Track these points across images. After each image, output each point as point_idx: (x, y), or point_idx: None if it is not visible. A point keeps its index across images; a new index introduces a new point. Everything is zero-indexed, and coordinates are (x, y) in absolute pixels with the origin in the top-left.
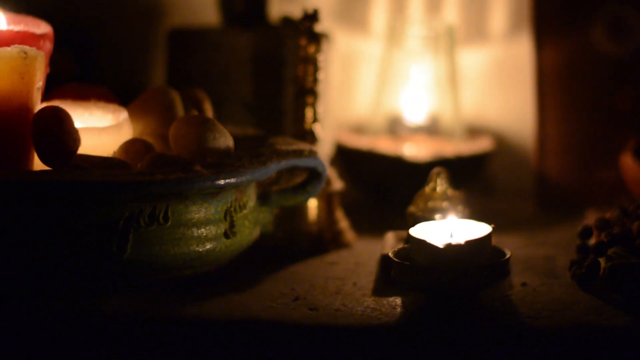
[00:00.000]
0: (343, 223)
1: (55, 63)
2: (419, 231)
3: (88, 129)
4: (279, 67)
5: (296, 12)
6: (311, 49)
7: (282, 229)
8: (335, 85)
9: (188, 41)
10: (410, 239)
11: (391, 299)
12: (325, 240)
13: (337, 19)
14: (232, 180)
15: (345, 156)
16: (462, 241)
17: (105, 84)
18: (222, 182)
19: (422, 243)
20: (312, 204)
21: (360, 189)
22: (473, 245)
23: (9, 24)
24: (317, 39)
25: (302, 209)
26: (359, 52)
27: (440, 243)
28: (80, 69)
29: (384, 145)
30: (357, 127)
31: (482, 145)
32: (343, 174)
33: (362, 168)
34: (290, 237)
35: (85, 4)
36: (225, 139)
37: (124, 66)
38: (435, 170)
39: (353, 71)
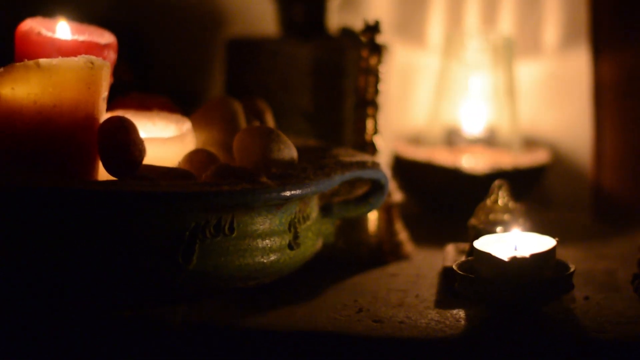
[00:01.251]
0: (402, 235)
1: (115, 73)
2: (483, 244)
3: (152, 139)
4: (339, 77)
5: (355, 23)
6: (373, 61)
7: (342, 240)
8: (393, 97)
9: (247, 51)
10: (475, 252)
11: (455, 311)
12: (384, 252)
13: (395, 31)
14: (298, 191)
15: (402, 167)
16: (527, 254)
17: (162, 94)
18: (288, 193)
19: (487, 256)
20: (372, 215)
21: (416, 200)
22: (538, 258)
23: (73, 33)
24: (378, 50)
25: (362, 220)
26: (416, 63)
27: (505, 256)
28: (137, 79)
29: (442, 157)
30: (414, 139)
31: (539, 157)
32: (399, 185)
33: (419, 179)
34: (350, 248)
35: (143, 14)
36: (289, 151)
37: (181, 76)
38: (497, 182)
39: (410, 82)
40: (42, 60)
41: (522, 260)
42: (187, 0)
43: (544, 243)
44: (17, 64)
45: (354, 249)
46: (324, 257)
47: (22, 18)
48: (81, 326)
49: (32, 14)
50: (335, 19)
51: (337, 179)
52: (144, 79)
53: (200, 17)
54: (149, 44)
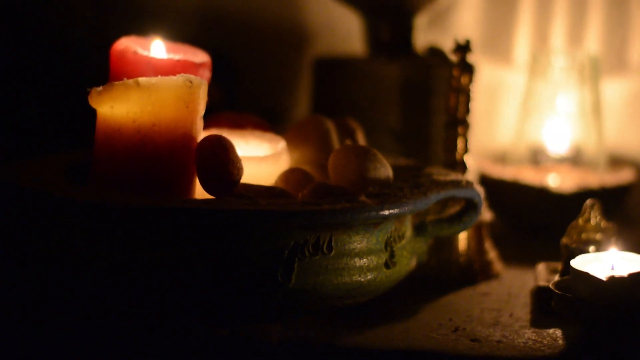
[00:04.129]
0: (492, 253)
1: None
2: (579, 263)
3: (249, 158)
4: (426, 96)
5: (441, 42)
6: (464, 80)
7: (434, 259)
8: (478, 115)
9: (335, 70)
10: (572, 271)
11: (551, 330)
12: (474, 271)
13: (481, 49)
14: (396, 210)
15: (488, 186)
16: (624, 274)
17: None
18: (386, 212)
19: (585, 275)
20: (462, 234)
21: (502, 219)
22: (636, 278)
23: (168, 52)
24: (470, 69)
25: (452, 239)
26: (502, 81)
27: (602, 276)
28: (226, 98)
29: (528, 176)
30: (499, 157)
31: (625, 176)
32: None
33: (506, 198)
34: (440, 267)
35: (229, 33)
36: (385, 169)
37: (267, 94)
38: (589, 202)
39: (496, 101)
40: (142, 79)
41: (620, 279)
42: (273, 20)
43: None
44: (116, 82)
45: (444, 267)
46: (414, 276)
47: (109, 38)
48: (179, 344)
49: (120, 34)
50: (422, 37)
51: (433, 197)
52: (231, 98)
53: (286, 36)
54: (235, 62)
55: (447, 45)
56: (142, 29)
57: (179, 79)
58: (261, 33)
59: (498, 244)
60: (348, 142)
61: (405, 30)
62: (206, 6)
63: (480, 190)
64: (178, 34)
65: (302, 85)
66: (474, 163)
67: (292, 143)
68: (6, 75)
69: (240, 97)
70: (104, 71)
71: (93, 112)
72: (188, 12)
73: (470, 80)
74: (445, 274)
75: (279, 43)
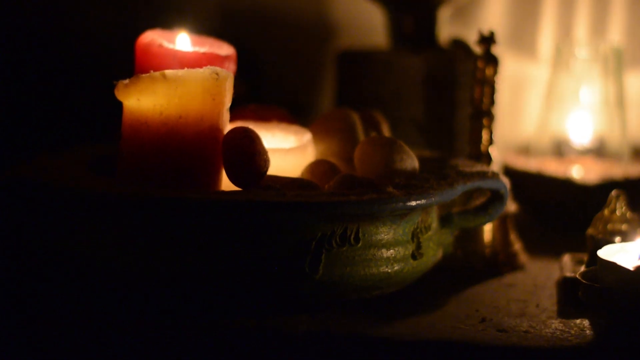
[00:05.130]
0: (517, 245)
1: None
2: (606, 253)
3: (275, 150)
4: (450, 89)
5: (464, 34)
6: (489, 71)
7: (459, 250)
8: (502, 107)
9: (359, 63)
10: (599, 261)
11: (578, 320)
12: (500, 262)
13: (505, 42)
14: (423, 201)
15: (512, 178)
16: None
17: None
18: (413, 203)
19: (612, 265)
20: (487, 226)
21: (526, 211)
22: None
23: (193, 45)
24: (494, 61)
25: (477, 231)
26: (526, 74)
27: (630, 265)
28: (250, 91)
29: (552, 168)
30: (522, 149)
31: None
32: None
33: (529, 190)
34: (466, 258)
35: (252, 26)
36: (411, 161)
37: (291, 87)
38: (614, 192)
39: (519, 93)
40: (168, 72)
41: None
42: (297, 13)
43: None
44: (143, 75)
45: (469, 259)
46: (440, 267)
47: (133, 31)
48: (205, 334)
49: (143, 27)
50: (446, 30)
51: (459, 188)
52: (255, 91)
53: (309, 29)
54: (259, 56)
55: (470, 38)
56: (165, 22)
57: (205, 71)
58: (285, 26)
59: (522, 236)
60: (373, 134)
61: (429, 23)
62: (229, 0)
63: (506, 181)
64: (201, 28)
65: (326, 78)
66: (498, 155)
67: (317, 135)
68: (29, 70)
69: (264, 90)
70: (128, 64)
71: (116, 105)
72: (211, 6)
73: (495, 72)
74: (470, 265)
75: (303, 36)
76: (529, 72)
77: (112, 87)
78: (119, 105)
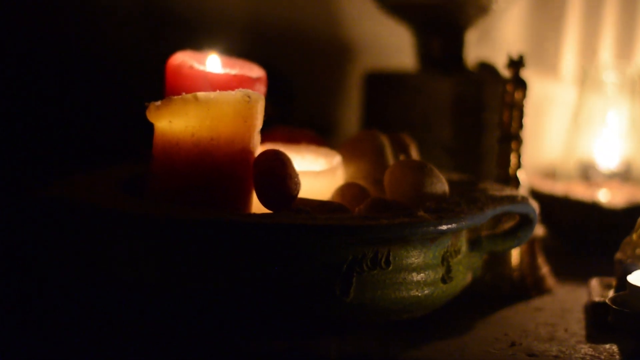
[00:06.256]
0: (544, 269)
1: None
2: (636, 279)
3: (305, 173)
4: (478, 112)
5: (489, 57)
6: (518, 95)
7: (488, 274)
8: (526, 129)
9: (386, 85)
10: (629, 286)
11: (607, 345)
12: (527, 286)
13: (529, 63)
14: (454, 225)
15: (538, 201)
16: None
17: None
18: (444, 227)
19: None
20: (515, 249)
21: (553, 235)
22: None
23: (224, 66)
24: (523, 85)
25: (505, 254)
26: (549, 95)
27: None
28: (278, 113)
29: (578, 191)
30: (548, 172)
31: None
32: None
33: (556, 214)
34: (493, 282)
35: (279, 48)
36: (441, 185)
37: (317, 109)
38: None
39: (542, 115)
40: (200, 94)
41: None
42: (323, 34)
43: None
44: (175, 97)
45: (497, 282)
46: (467, 291)
47: (162, 51)
48: (237, 357)
49: (170, 49)
50: (472, 52)
51: (490, 213)
52: (283, 113)
53: (336, 51)
54: (286, 77)
55: (494, 60)
56: (192, 43)
57: (237, 93)
58: (311, 47)
59: (549, 260)
60: (402, 157)
61: (456, 46)
62: (256, 21)
63: (535, 205)
64: (229, 49)
65: (352, 99)
66: (526, 178)
67: (346, 158)
68: (60, 90)
69: (290, 111)
70: (157, 85)
71: (147, 126)
72: (238, 27)
73: (524, 96)
74: (498, 289)
75: (329, 57)
76: (553, 93)
77: (143, 108)
78: (149, 126)
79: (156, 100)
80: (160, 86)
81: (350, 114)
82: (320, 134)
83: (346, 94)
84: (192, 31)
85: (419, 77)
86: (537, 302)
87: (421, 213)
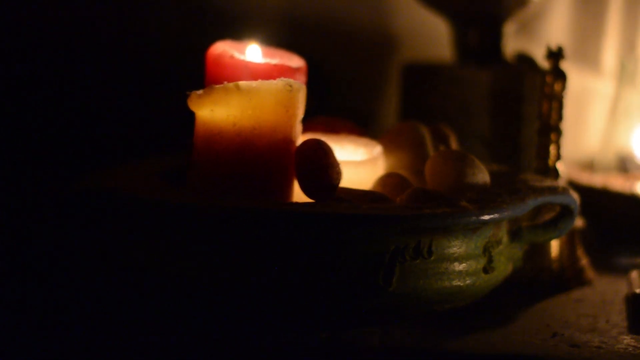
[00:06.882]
0: (584, 260)
1: None
2: None
3: (346, 162)
4: (517, 103)
5: (528, 49)
6: (557, 86)
7: (528, 265)
8: (566, 122)
9: (424, 76)
10: None
11: None
12: (567, 277)
13: (568, 56)
14: (496, 215)
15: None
16: None
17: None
18: (487, 217)
19: None
20: (555, 241)
21: (591, 226)
22: None
23: (264, 56)
24: (563, 76)
25: (544, 245)
26: (589, 88)
27: None
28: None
29: (616, 183)
30: (586, 164)
31: None
32: None
33: (595, 205)
34: (533, 273)
35: (316, 37)
36: (483, 175)
37: (354, 99)
38: None
39: (582, 106)
40: (242, 83)
41: None
42: (360, 25)
43: None
44: (217, 86)
45: (537, 274)
46: (506, 281)
47: (199, 41)
48: (278, 347)
49: (210, 37)
50: (510, 44)
51: (531, 203)
52: (321, 103)
53: (373, 42)
54: (324, 68)
55: (534, 52)
56: (229, 34)
57: (279, 83)
58: (348, 39)
59: (588, 251)
60: (442, 147)
61: (494, 38)
62: (293, 12)
63: (576, 196)
64: (266, 40)
65: (389, 90)
66: (565, 170)
67: (387, 148)
68: (99, 80)
69: (328, 102)
70: (194, 74)
71: (183, 117)
72: (276, 17)
73: (563, 87)
74: (538, 280)
75: (366, 48)
76: (593, 86)
77: (181, 98)
78: (188, 116)
79: (195, 89)
80: (197, 76)
81: (388, 105)
82: (357, 124)
83: (384, 85)
84: (229, 21)
85: (456, 68)
86: (576, 293)
87: (463, 203)
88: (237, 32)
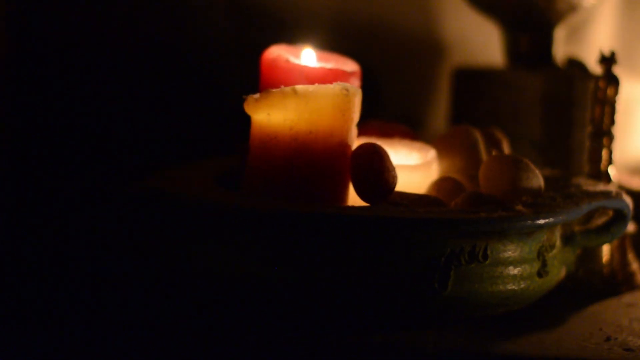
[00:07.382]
0: (635, 265)
1: None
2: None
3: (401, 166)
4: (568, 108)
5: (579, 54)
6: (610, 91)
7: (580, 269)
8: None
9: (475, 81)
10: None
11: None
12: (618, 282)
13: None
14: (551, 219)
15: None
16: None
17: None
18: (542, 221)
19: None
20: (605, 245)
21: None
22: None
23: (318, 60)
24: (616, 81)
25: (596, 250)
26: (636, 94)
27: None
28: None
29: None
30: (636, 169)
31: None
32: None
33: None
34: (585, 277)
35: (367, 40)
36: (537, 179)
37: (404, 103)
38: None
39: (629, 112)
40: (299, 87)
41: None
42: (409, 30)
43: None
44: (273, 90)
45: (588, 278)
46: (558, 285)
47: (252, 44)
48: (331, 350)
49: (262, 41)
50: (561, 50)
51: (585, 207)
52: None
53: (422, 46)
54: (374, 72)
55: (583, 58)
56: (281, 39)
57: (335, 87)
58: (399, 43)
59: (639, 256)
60: (495, 152)
61: (545, 43)
62: (345, 18)
63: (629, 201)
64: (317, 44)
65: (439, 95)
66: (616, 175)
67: (440, 152)
68: (154, 83)
69: (379, 106)
70: (247, 78)
71: (238, 120)
72: (326, 20)
73: (616, 92)
74: (589, 285)
75: (417, 53)
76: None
77: (235, 101)
78: (242, 119)
79: (249, 93)
80: (249, 80)
81: (438, 110)
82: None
83: (435, 89)
84: (280, 26)
85: (507, 73)
86: (628, 297)
87: (519, 207)
88: (291, 36)
